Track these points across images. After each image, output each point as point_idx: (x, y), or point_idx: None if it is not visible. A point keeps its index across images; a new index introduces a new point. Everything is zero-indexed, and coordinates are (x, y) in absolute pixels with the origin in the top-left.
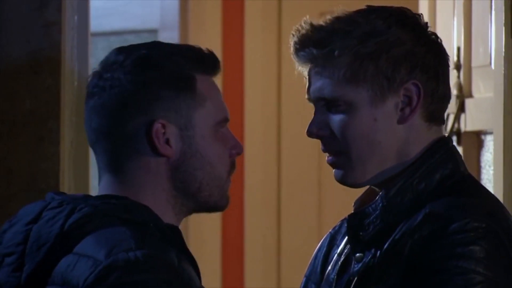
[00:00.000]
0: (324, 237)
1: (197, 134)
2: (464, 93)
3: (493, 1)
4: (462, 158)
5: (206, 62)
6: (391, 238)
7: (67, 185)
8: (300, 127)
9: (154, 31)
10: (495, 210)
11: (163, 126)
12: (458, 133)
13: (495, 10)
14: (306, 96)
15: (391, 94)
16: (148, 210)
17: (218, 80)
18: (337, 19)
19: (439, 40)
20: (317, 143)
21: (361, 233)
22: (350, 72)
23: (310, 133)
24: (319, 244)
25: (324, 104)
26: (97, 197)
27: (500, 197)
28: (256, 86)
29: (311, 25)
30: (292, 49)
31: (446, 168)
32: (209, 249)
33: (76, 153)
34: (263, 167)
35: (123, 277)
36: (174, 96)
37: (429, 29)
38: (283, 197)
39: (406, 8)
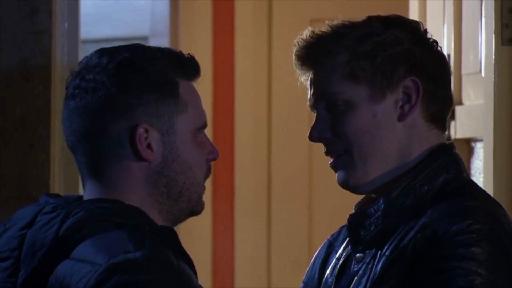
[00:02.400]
0: (323, 243)
1: (178, 139)
2: (454, 101)
3: (483, 9)
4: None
5: (188, 67)
6: (392, 239)
7: (57, 192)
8: (291, 130)
9: (144, 38)
10: (498, 214)
11: (146, 130)
12: (449, 140)
13: (485, 17)
14: (308, 104)
15: (390, 91)
16: (141, 213)
17: (208, 86)
18: (337, 25)
19: (439, 47)
20: (308, 147)
21: (362, 233)
22: (348, 70)
23: (312, 138)
24: (317, 251)
25: (324, 107)
26: (90, 201)
27: None
28: (246, 92)
29: (312, 32)
30: (294, 58)
31: (449, 173)
32: (199, 253)
33: (67, 160)
34: (253, 170)
35: (124, 278)
36: (157, 101)
37: (428, 35)
38: (274, 201)
39: (404, 16)
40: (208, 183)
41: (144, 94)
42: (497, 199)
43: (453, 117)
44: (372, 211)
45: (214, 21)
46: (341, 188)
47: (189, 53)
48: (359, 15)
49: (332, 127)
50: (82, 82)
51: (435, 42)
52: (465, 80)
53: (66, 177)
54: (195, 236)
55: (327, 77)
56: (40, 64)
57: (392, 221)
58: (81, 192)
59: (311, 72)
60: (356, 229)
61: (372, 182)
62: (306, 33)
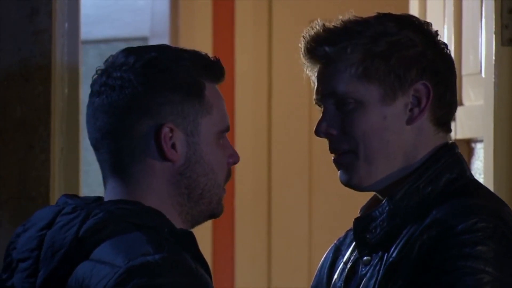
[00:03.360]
0: (330, 248)
1: (202, 141)
2: None
3: (483, 9)
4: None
5: (214, 69)
6: (398, 240)
7: (57, 193)
8: (291, 129)
9: (144, 39)
10: (502, 211)
11: (171, 130)
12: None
13: (485, 18)
14: (314, 97)
15: (401, 93)
16: (161, 215)
17: None
18: (349, 21)
19: (448, 50)
20: (308, 146)
21: (368, 237)
22: (362, 69)
23: (319, 133)
24: (324, 255)
25: (333, 103)
26: (110, 202)
27: None
28: (246, 92)
29: (323, 25)
30: (303, 49)
31: (452, 173)
32: None
33: (67, 160)
34: (253, 170)
35: (143, 281)
36: (183, 101)
37: (439, 37)
38: (274, 201)
39: (414, 16)
40: None
41: (171, 94)
42: None
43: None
44: (377, 213)
45: (214, 21)
46: (341, 188)
47: (214, 56)
48: (359, 15)
49: (340, 124)
50: (109, 80)
51: (445, 45)
52: (465, 81)
53: (66, 177)
54: (196, 234)
55: (339, 75)
56: (40, 65)
57: (397, 223)
58: (81, 192)
59: (319, 67)
60: (362, 232)
61: (375, 183)
62: (316, 26)
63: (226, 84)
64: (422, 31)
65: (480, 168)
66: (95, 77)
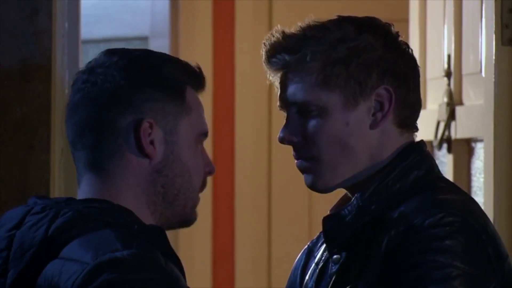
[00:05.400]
0: (303, 249)
1: (181, 141)
2: (455, 101)
3: (483, 9)
4: (452, 165)
5: (196, 77)
6: (367, 238)
7: (57, 193)
8: None
9: (144, 39)
10: (471, 206)
11: (151, 126)
12: (449, 140)
13: (485, 17)
14: (278, 104)
15: (363, 99)
16: (130, 213)
17: (208, 86)
18: (308, 27)
19: (410, 50)
20: None
21: (337, 235)
22: (322, 77)
23: (281, 140)
24: (297, 257)
25: (296, 111)
26: (79, 201)
27: (490, 204)
28: (246, 92)
29: (283, 32)
30: (263, 57)
31: (420, 169)
32: (199, 253)
33: (67, 161)
34: (253, 170)
35: (112, 277)
36: (164, 100)
37: (400, 38)
38: (274, 200)
39: (377, 18)
40: (208, 183)
41: (153, 91)
42: (497, 199)
43: (453, 117)
44: (346, 212)
45: (214, 21)
46: (341, 189)
47: (196, 64)
48: (359, 15)
49: (302, 131)
50: (91, 76)
51: (407, 45)
52: (465, 81)
53: (66, 178)
54: (195, 236)
55: (300, 83)
56: (40, 65)
57: (366, 220)
58: None
59: (281, 74)
60: (331, 231)
61: (341, 183)
62: (275, 33)
63: (226, 84)
64: (382, 34)
65: (480, 167)
66: (77, 76)
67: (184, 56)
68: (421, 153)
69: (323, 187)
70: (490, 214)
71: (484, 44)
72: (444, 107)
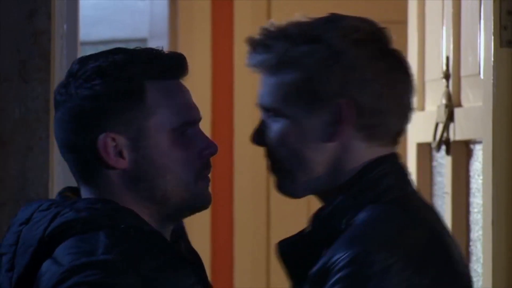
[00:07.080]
0: None
1: (151, 143)
2: (453, 103)
3: (482, 10)
4: (451, 167)
5: (160, 66)
6: (318, 265)
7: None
8: None
9: (143, 40)
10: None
11: (113, 139)
12: (447, 142)
13: (484, 19)
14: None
15: (321, 109)
16: (132, 214)
17: (207, 86)
18: (268, 31)
19: (397, 53)
20: None
21: (297, 260)
22: (284, 85)
23: (251, 140)
24: None
25: (263, 113)
26: (84, 200)
27: (489, 206)
28: (245, 92)
29: (262, 29)
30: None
31: (379, 186)
32: (199, 252)
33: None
34: (252, 169)
35: (79, 281)
36: (123, 108)
37: (384, 40)
38: (273, 203)
39: (361, 21)
40: None
41: (109, 103)
42: (495, 201)
43: (452, 119)
44: (306, 232)
45: (213, 22)
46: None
47: (171, 52)
48: (359, 15)
49: (268, 135)
50: (57, 96)
51: (389, 50)
52: (464, 82)
53: (65, 179)
54: (194, 235)
55: (267, 86)
56: (39, 66)
57: (323, 238)
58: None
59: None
60: (289, 259)
61: (303, 193)
62: (258, 31)
63: (226, 84)
64: (354, 41)
65: (479, 169)
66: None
67: None
68: (386, 168)
69: (286, 192)
70: (489, 215)
71: (483, 46)
72: (442, 109)
